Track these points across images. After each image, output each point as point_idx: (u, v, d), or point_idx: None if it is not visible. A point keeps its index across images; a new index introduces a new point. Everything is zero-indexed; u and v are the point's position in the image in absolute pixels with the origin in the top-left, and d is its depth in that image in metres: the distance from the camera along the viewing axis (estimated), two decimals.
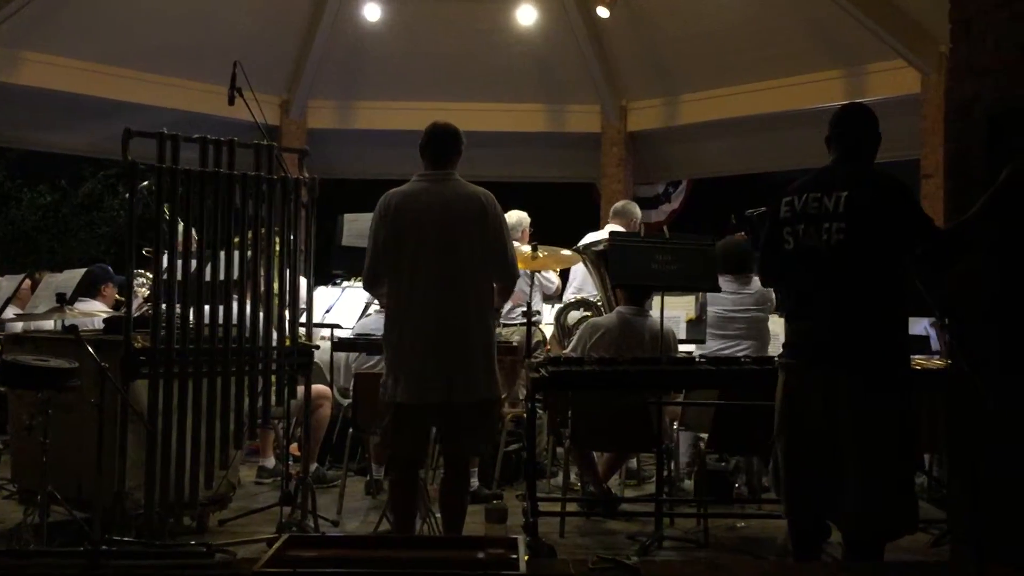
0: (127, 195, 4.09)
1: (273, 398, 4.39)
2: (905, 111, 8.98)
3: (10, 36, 9.10)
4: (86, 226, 16.63)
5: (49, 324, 5.55)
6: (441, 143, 3.98)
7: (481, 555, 2.67)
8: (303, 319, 4.59)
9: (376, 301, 5.35)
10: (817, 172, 3.40)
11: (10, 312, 5.75)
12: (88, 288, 6.08)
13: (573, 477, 5.53)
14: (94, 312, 5.61)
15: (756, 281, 5.59)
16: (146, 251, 5.67)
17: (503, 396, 5.87)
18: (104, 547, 2.72)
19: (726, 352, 5.25)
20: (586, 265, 5.96)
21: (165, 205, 4.08)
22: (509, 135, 11.64)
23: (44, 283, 5.94)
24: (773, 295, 5.58)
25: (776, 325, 5.57)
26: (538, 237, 6.72)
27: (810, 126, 3.48)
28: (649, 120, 11.45)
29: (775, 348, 5.30)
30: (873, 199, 3.21)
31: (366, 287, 4.20)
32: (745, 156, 11.33)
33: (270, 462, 5.88)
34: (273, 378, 4.37)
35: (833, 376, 3.20)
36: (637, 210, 6.75)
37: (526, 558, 2.90)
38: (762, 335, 5.47)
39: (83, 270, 6.24)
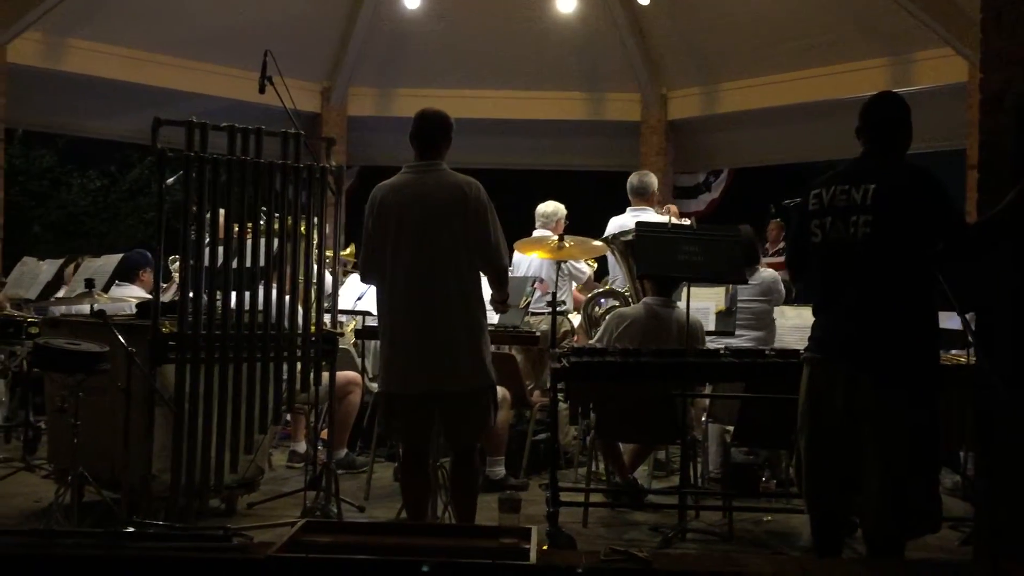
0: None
1: (298, 384, 4.43)
2: (952, 100, 8.80)
3: (58, 24, 9.29)
4: (134, 211, 16.95)
5: (87, 309, 5.67)
6: (427, 133, 3.97)
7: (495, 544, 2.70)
8: (328, 306, 4.63)
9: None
10: (847, 164, 3.35)
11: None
12: (126, 273, 6.19)
13: (600, 467, 5.53)
14: (131, 297, 5.71)
15: (762, 272, 5.54)
16: (172, 260, 5.77)
17: (530, 386, 5.90)
18: (125, 529, 2.78)
19: (731, 344, 5.20)
20: (614, 255, 5.92)
21: (168, 181, 4.13)
22: (548, 123, 11.64)
23: (83, 268, 6.06)
24: (781, 286, 5.52)
25: (782, 317, 5.52)
26: (575, 226, 6.71)
27: (854, 115, 3.40)
28: (689, 108, 11.37)
29: (786, 340, 5.26)
30: (901, 192, 3.15)
31: (362, 279, 4.25)
32: (787, 145, 11.21)
33: (301, 447, 5.95)
34: (298, 364, 4.41)
35: (856, 372, 3.16)
36: (653, 180, 6.60)
37: (544, 548, 2.93)
38: (768, 326, 5.41)
39: (120, 255, 6.37)
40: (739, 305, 5.35)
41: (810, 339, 3.39)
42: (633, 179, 6.53)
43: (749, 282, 5.36)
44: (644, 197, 6.45)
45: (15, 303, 5.87)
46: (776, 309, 5.57)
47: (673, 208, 6.87)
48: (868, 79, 9.43)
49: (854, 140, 3.38)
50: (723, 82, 10.96)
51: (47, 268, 5.95)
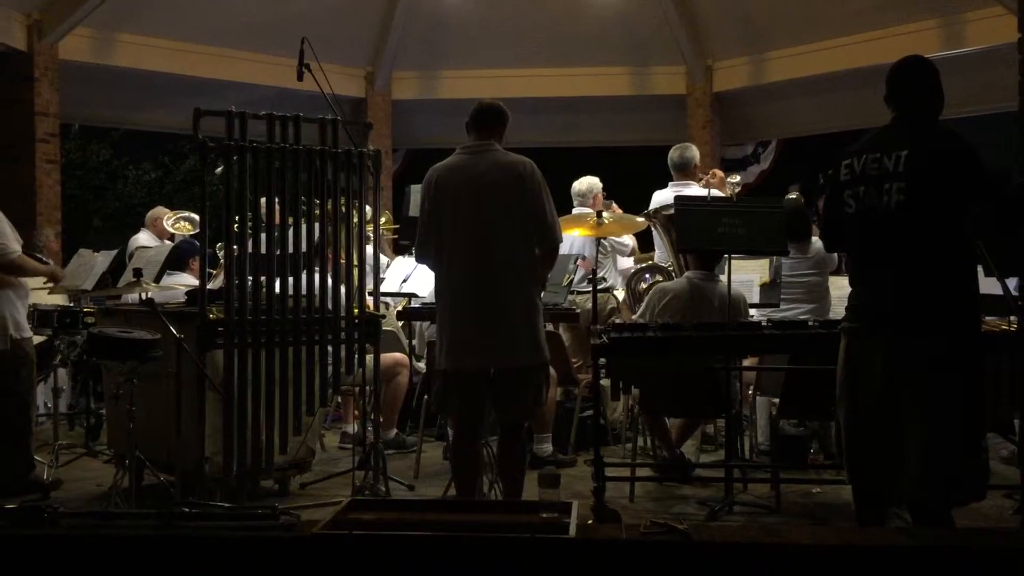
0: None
1: (344, 367, 4.51)
2: (1004, 61, 8.55)
3: (106, 20, 9.49)
4: (188, 201, 17.24)
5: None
6: (483, 119, 4.05)
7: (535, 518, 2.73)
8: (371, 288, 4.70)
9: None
10: (877, 131, 3.29)
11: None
12: (176, 262, 6.34)
13: (647, 443, 5.54)
14: (181, 285, 5.84)
15: (815, 244, 5.46)
16: (218, 247, 5.90)
17: (576, 363, 5.92)
18: (178, 509, 2.87)
19: (786, 316, 5.15)
20: (656, 229, 5.89)
21: (217, 171, 4.21)
22: (593, 100, 11.56)
23: (136, 258, 6.21)
24: (836, 256, 5.44)
25: (834, 288, 5.45)
26: (620, 202, 6.68)
27: None
28: (736, 79, 11.21)
29: (839, 311, 5.18)
30: (934, 157, 3.09)
31: (417, 258, 4.31)
32: (836, 113, 10.97)
33: (351, 428, 6.05)
34: (343, 347, 4.49)
35: (894, 341, 3.12)
36: (694, 153, 6.50)
37: (588, 522, 2.95)
38: (821, 298, 5.35)
39: (172, 245, 6.51)
40: (792, 279, 5.30)
41: (847, 309, 3.36)
42: (673, 154, 6.47)
43: (801, 255, 5.31)
44: (686, 171, 6.39)
45: (73, 294, 6.04)
46: (830, 279, 5.51)
47: (718, 173, 6.80)
48: (918, 42, 9.20)
49: None
50: (769, 51, 10.77)
51: (102, 259, 6.10)
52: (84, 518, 2.85)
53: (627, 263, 6.89)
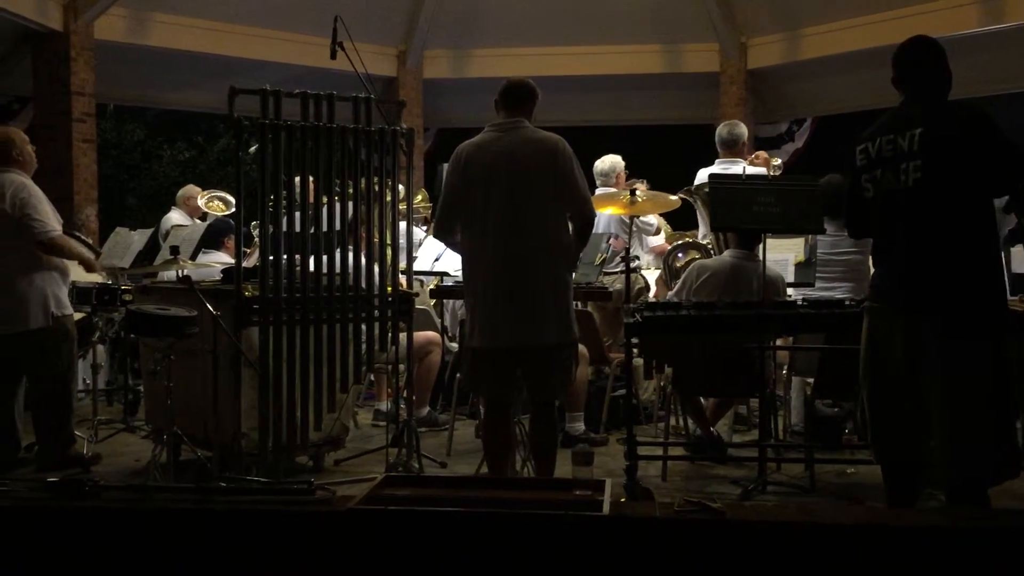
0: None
1: (377, 344, 4.54)
2: None
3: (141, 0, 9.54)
4: (222, 180, 17.35)
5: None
6: (513, 96, 4.03)
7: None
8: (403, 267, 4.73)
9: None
10: (889, 113, 3.29)
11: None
12: (211, 241, 6.41)
13: (679, 422, 5.53)
14: (216, 263, 5.90)
15: None
16: (253, 226, 5.95)
17: (608, 342, 5.91)
18: (216, 484, 2.91)
19: (824, 295, 5.09)
20: (696, 206, 5.84)
21: (251, 150, 4.24)
22: (624, 77, 11.47)
23: (172, 236, 6.28)
24: None
25: None
26: (654, 181, 6.63)
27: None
28: (770, 56, 11.07)
29: None
30: (950, 132, 3.07)
31: (436, 235, 4.30)
32: (873, 90, 10.71)
33: (384, 405, 6.09)
34: (376, 325, 4.52)
35: (916, 320, 3.12)
36: (743, 131, 6.45)
37: (622, 500, 2.95)
38: (863, 277, 5.26)
39: (207, 223, 6.57)
40: (831, 256, 5.24)
41: (870, 288, 3.38)
42: (722, 130, 6.41)
43: (841, 233, 5.23)
44: (733, 149, 6.32)
45: (110, 272, 6.12)
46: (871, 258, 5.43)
47: (762, 155, 6.74)
48: (958, 17, 9.02)
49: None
50: (805, 27, 10.62)
51: (139, 238, 6.18)
52: (124, 491, 2.91)
53: (656, 241, 6.86)
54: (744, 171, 5.09)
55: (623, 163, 6.53)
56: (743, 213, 4.35)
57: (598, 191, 6.35)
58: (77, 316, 5.81)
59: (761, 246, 4.54)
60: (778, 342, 4.96)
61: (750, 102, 11.26)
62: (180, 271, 4.94)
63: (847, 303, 4.24)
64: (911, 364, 3.13)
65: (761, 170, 6.29)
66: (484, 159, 3.95)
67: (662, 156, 10.66)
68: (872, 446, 3.34)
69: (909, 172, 3.11)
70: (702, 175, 6.30)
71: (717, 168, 6.18)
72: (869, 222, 3.36)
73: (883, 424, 3.26)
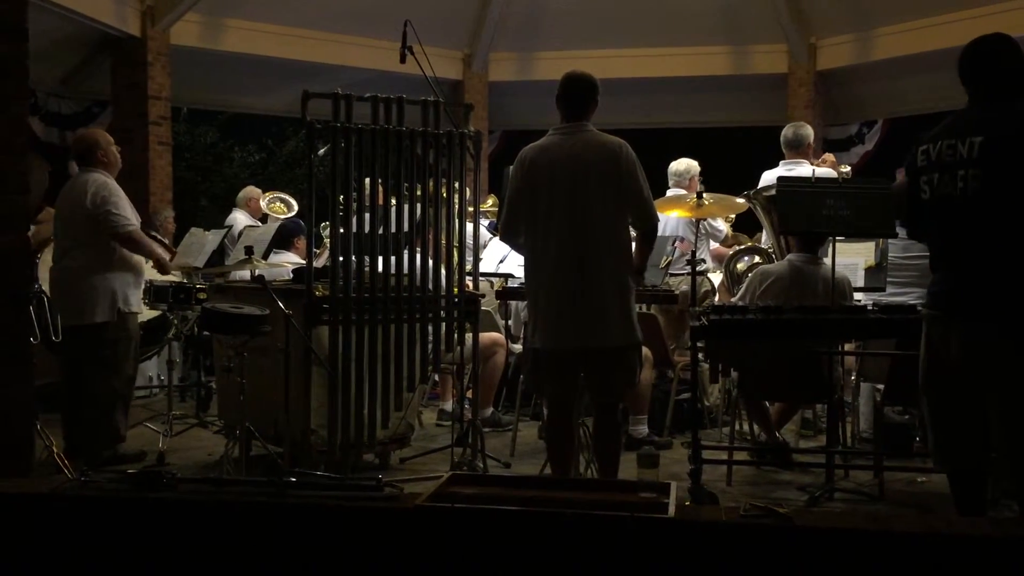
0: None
1: (443, 345, 4.59)
2: None
3: (215, 6, 9.78)
4: (290, 182, 17.65)
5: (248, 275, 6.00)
6: (574, 95, 4.01)
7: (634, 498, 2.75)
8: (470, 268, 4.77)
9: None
10: (953, 116, 3.23)
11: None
12: (282, 241, 6.54)
13: (744, 426, 5.48)
14: (287, 263, 6.01)
15: None
16: (323, 227, 6.04)
17: (672, 346, 5.89)
18: (288, 479, 2.98)
19: (895, 300, 4.99)
20: (756, 211, 5.79)
21: (320, 152, 4.31)
22: (691, 80, 11.40)
23: (244, 237, 6.42)
24: None
25: None
26: (719, 184, 6.58)
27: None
28: (840, 57, 10.90)
29: None
30: (1010, 142, 3.00)
31: (502, 238, 4.33)
32: (946, 92, 10.42)
33: (449, 405, 6.15)
34: (442, 325, 4.57)
35: (971, 327, 3.08)
36: (808, 132, 6.38)
37: (686, 503, 2.95)
38: None
39: (278, 224, 6.71)
40: (904, 261, 5.14)
41: (927, 295, 3.34)
42: (787, 131, 6.35)
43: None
44: (799, 150, 6.25)
45: (185, 271, 6.28)
46: None
47: (829, 158, 6.64)
48: None
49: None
50: (876, 27, 10.43)
51: (212, 238, 6.33)
52: (200, 484, 2.99)
53: (714, 244, 6.81)
54: (813, 173, 5.00)
55: (699, 167, 6.51)
56: (812, 217, 4.29)
57: (668, 191, 6.33)
58: (153, 314, 5.99)
59: (825, 249, 4.48)
60: (847, 347, 4.89)
61: (819, 104, 11.11)
62: (253, 271, 5.05)
63: (919, 308, 4.15)
64: (969, 370, 3.12)
65: (830, 172, 6.20)
66: (547, 162, 3.97)
67: (729, 158, 10.56)
68: (932, 453, 3.34)
69: (968, 180, 3.07)
70: (766, 177, 6.24)
71: (781, 170, 6.12)
72: (926, 224, 3.32)
73: (942, 431, 3.27)
